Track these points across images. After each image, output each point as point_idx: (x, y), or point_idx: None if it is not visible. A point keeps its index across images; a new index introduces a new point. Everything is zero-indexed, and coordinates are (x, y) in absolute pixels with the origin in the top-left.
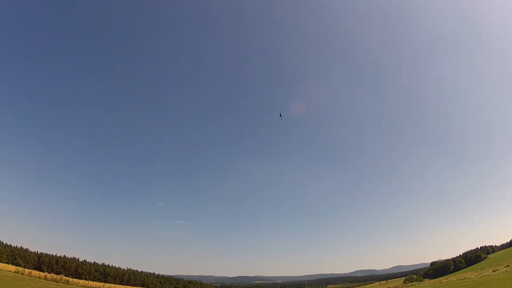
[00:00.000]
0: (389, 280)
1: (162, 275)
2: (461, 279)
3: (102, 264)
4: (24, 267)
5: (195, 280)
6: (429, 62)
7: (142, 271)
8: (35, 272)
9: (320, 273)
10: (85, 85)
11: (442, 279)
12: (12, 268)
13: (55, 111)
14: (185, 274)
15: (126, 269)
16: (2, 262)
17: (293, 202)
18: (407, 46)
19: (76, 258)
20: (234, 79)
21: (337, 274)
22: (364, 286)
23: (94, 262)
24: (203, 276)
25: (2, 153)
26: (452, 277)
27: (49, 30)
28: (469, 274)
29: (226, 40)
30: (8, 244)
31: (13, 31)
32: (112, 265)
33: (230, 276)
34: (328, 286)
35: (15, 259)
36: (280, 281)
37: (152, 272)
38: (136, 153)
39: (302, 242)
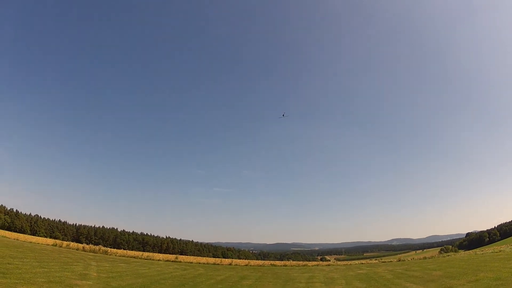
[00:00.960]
0: (424, 250)
1: (201, 243)
2: (496, 252)
3: (140, 233)
4: (63, 240)
5: (233, 247)
6: None
7: (180, 239)
8: (73, 244)
9: (357, 240)
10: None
11: (478, 250)
12: (50, 241)
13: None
14: (223, 242)
15: (164, 237)
16: (40, 236)
17: (332, 168)
18: None
19: (115, 228)
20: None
21: (374, 242)
22: (399, 254)
23: (133, 231)
24: (241, 243)
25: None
26: (487, 249)
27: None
28: (504, 246)
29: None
30: (46, 218)
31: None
32: (151, 234)
33: (268, 243)
34: (364, 254)
35: (53, 232)
36: (317, 248)
37: (190, 240)
38: (173, 123)
39: (340, 209)
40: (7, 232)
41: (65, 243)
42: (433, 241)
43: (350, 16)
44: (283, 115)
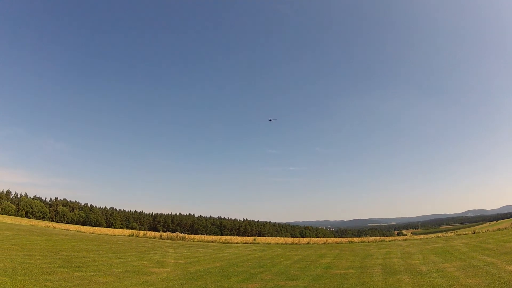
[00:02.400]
0: (498, 221)
1: (278, 223)
2: None
3: (218, 217)
4: (139, 229)
5: (311, 226)
6: None
7: (258, 220)
8: (150, 233)
9: (433, 213)
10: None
11: None
12: (126, 232)
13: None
14: (301, 221)
15: (242, 220)
16: (116, 228)
17: (406, 140)
18: None
19: (192, 214)
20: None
21: (449, 214)
22: (474, 226)
23: (210, 216)
24: (318, 221)
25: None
26: None
27: None
28: None
29: None
30: (122, 210)
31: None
32: (228, 218)
33: (345, 220)
34: (440, 227)
35: (130, 223)
36: (394, 223)
37: (268, 221)
38: (243, 105)
39: (415, 182)
40: (81, 226)
41: (141, 232)
42: (507, 211)
43: None
44: (270, 120)
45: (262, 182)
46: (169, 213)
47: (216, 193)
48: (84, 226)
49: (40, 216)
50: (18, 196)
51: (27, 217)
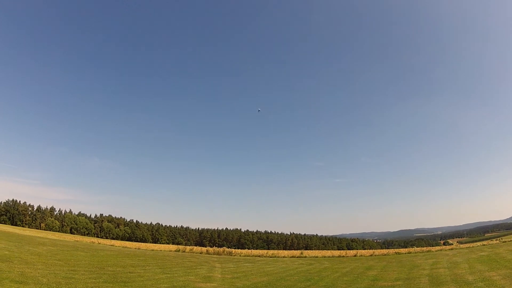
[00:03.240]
0: None
1: (325, 236)
2: None
3: (264, 231)
4: (185, 245)
5: (357, 238)
6: None
7: (305, 234)
8: (197, 248)
9: (478, 221)
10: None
11: None
12: (172, 247)
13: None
14: (347, 233)
15: (289, 233)
16: (162, 243)
17: (450, 145)
18: None
19: (239, 229)
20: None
21: (494, 221)
22: None
23: (257, 230)
24: (365, 233)
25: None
26: None
27: None
28: None
29: None
30: (168, 225)
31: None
32: (275, 232)
33: (391, 231)
34: (485, 235)
35: (176, 238)
36: (440, 232)
37: (315, 234)
38: (288, 118)
39: (460, 190)
40: (127, 242)
41: (188, 247)
42: None
43: None
44: (258, 111)
45: (309, 195)
46: (216, 228)
47: (263, 207)
48: (130, 242)
49: (85, 232)
50: (62, 213)
51: (71, 233)
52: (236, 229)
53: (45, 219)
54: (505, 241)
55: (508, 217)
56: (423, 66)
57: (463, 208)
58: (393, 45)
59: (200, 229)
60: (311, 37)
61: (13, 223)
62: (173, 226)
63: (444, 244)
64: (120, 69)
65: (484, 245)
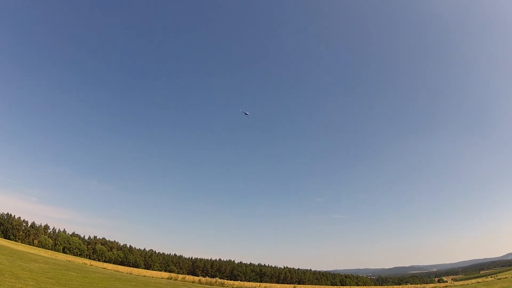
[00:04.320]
0: None
1: (319, 271)
2: None
3: (258, 264)
4: (178, 273)
5: (351, 274)
6: None
7: (298, 268)
8: (189, 277)
9: (474, 258)
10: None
11: None
12: (165, 275)
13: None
14: (341, 269)
15: (282, 267)
16: (155, 270)
17: (446, 182)
18: None
19: (232, 260)
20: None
21: (490, 258)
22: None
23: (250, 263)
24: (359, 269)
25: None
26: None
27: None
28: None
29: None
30: (161, 252)
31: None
32: (268, 265)
33: (386, 268)
34: (481, 272)
35: (168, 266)
36: (435, 270)
37: (308, 268)
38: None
39: (456, 227)
40: (119, 266)
41: (180, 276)
42: None
43: None
44: (245, 114)
45: (305, 229)
46: (209, 258)
47: (257, 239)
48: (122, 266)
49: (77, 252)
50: (56, 231)
51: (64, 253)
52: (230, 261)
53: (38, 236)
54: (500, 278)
55: (504, 254)
56: (420, 105)
57: (459, 246)
58: (395, 83)
59: (193, 258)
60: (310, 77)
61: (6, 237)
62: (166, 253)
63: (438, 281)
64: (124, 96)
65: (479, 282)
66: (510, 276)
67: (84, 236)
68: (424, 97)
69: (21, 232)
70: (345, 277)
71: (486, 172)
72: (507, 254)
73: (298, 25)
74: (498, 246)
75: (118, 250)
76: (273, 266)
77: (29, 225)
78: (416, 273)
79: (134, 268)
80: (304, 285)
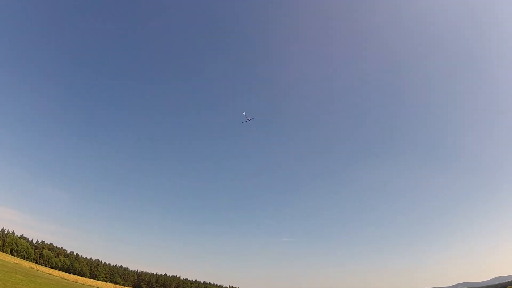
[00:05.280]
0: None
1: None
2: None
3: (203, 282)
4: (123, 285)
5: None
6: None
7: None
8: None
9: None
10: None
11: None
12: (110, 286)
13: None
14: None
15: (228, 286)
16: (100, 280)
17: (403, 211)
18: None
19: (177, 276)
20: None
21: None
22: None
23: (196, 280)
24: None
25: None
26: None
27: None
28: None
29: None
30: (107, 263)
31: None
32: (213, 283)
33: None
34: None
35: (114, 277)
36: None
37: None
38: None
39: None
40: (65, 274)
41: None
42: (497, 282)
43: None
44: (248, 119)
45: (254, 251)
46: (155, 273)
47: (204, 257)
48: (68, 274)
49: (24, 255)
50: (5, 232)
51: (11, 254)
52: (175, 276)
53: None
54: None
55: (454, 283)
56: (381, 130)
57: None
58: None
59: (139, 271)
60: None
61: None
62: (112, 264)
63: None
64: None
65: None
66: None
67: (32, 240)
68: (385, 120)
69: None
70: None
71: (439, 205)
72: (457, 284)
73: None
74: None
75: (65, 257)
76: (218, 285)
77: None
78: None
79: (80, 277)
80: None
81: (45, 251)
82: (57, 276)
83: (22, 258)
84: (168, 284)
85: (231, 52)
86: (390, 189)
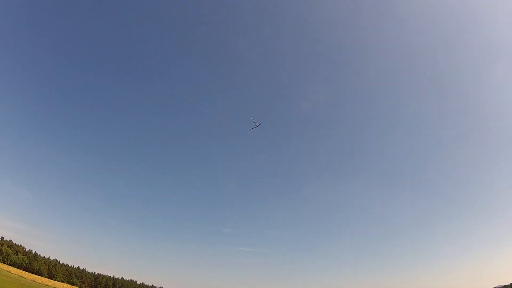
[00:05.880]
0: None
1: None
2: None
3: (160, 287)
4: (80, 287)
5: None
6: None
7: None
8: None
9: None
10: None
11: None
12: (67, 287)
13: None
14: None
15: None
16: (58, 280)
17: (359, 224)
18: None
19: (134, 280)
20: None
21: None
22: None
23: (152, 285)
24: None
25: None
26: None
27: None
28: None
29: None
30: (65, 264)
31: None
32: None
33: None
34: None
35: (71, 278)
36: None
37: None
38: (204, 177)
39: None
40: (24, 272)
41: None
42: None
43: None
44: (256, 125)
45: (213, 259)
46: (112, 276)
47: (162, 263)
48: (26, 272)
49: None
50: None
51: None
52: (132, 280)
53: None
54: None
55: None
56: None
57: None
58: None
59: (96, 273)
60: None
61: None
62: (70, 265)
63: None
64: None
65: None
66: None
67: None
68: (350, 141)
69: None
70: None
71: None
72: None
73: None
74: None
75: (23, 255)
76: None
77: None
78: None
79: (38, 276)
80: None
81: (5, 248)
82: (15, 274)
83: None
84: None
85: (231, 51)
86: (351, 206)
